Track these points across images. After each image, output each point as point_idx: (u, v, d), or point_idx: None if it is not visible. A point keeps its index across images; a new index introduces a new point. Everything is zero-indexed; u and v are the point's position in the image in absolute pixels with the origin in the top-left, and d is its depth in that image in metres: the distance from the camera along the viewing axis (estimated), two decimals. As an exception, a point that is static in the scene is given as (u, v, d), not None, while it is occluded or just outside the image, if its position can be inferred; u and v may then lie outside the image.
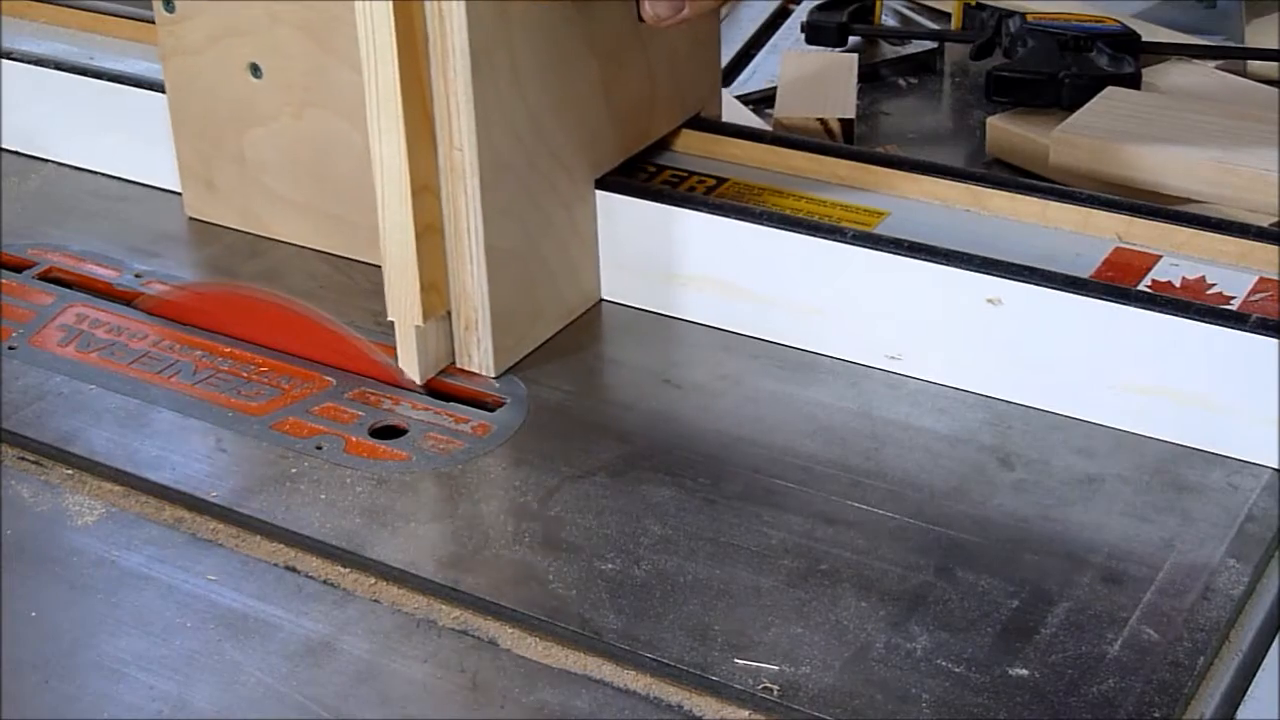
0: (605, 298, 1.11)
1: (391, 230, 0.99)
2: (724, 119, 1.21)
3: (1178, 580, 0.86)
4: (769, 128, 1.28)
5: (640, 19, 1.03)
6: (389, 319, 1.01)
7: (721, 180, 1.11)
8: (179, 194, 1.24)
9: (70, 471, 0.97)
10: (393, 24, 0.93)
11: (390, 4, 0.92)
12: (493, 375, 1.02)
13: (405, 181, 0.97)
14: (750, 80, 1.47)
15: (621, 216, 1.08)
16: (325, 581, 0.88)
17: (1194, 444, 0.95)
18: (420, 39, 0.94)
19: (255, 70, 1.14)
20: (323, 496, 0.93)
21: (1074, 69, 1.31)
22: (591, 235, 1.09)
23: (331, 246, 1.16)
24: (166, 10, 1.17)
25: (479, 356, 1.02)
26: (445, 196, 0.98)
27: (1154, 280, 0.98)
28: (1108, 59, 1.34)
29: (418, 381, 1.02)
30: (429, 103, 0.96)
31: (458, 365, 1.03)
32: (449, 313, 1.02)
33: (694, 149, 1.15)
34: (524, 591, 0.86)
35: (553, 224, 1.05)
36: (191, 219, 1.22)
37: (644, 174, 1.11)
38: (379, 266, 1.02)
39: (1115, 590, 0.85)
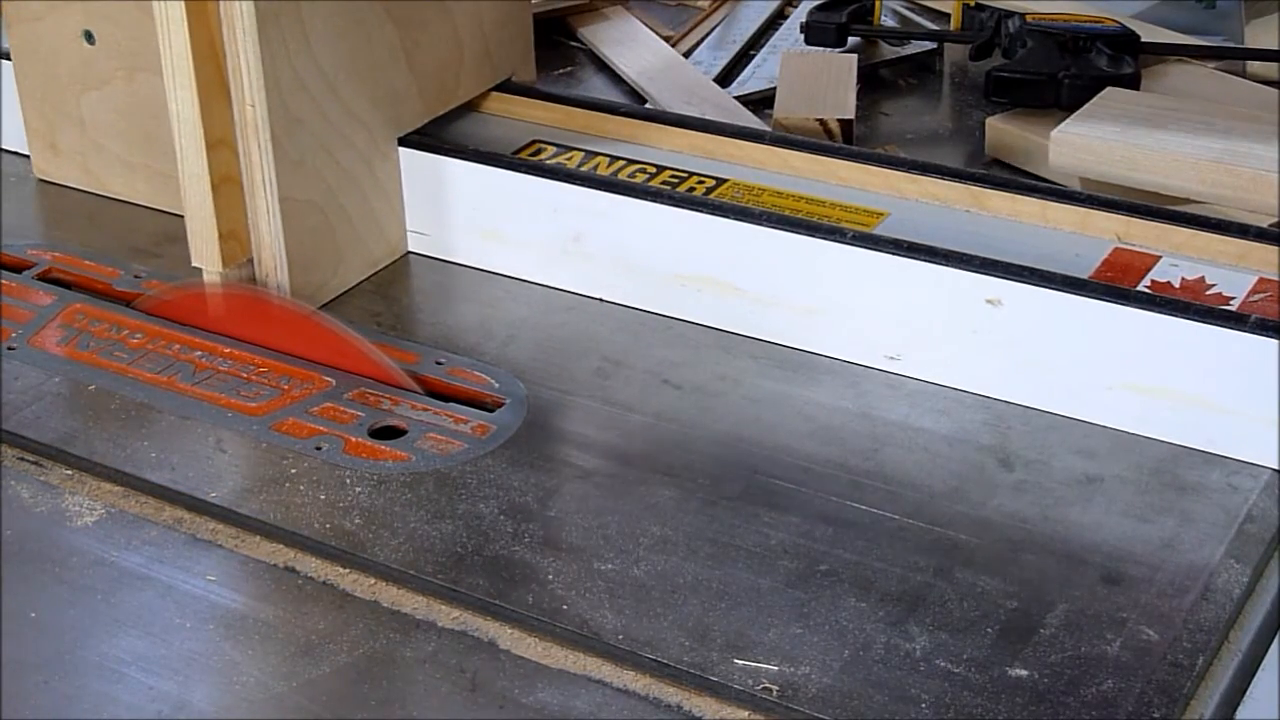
0: (412, 250, 1.17)
1: (190, 182, 1.05)
2: (726, 119, 1.22)
3: (1178, 580, 0.86)
4: (768, 127, 1.29)
5: None
6: (194, 265, 1.08)
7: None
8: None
9: (70, 472, 0.97)
10: None
11: None
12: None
13: (200, 135, 1.03)
14: (750, 80, 1.47)
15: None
16: (325, 582, 0.88)
17: (1194, 444, 0.95)
18: (213, 7, 1.00)
19: (89, 37, 1.20)
20: (322, 497, 0.93)
21: (1073, 69, 1.31)
22: (396, 190, 1.14)
23: (165, 204, 1.21)
24: None
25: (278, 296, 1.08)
26: (241, 150, 1.04)
27: (1153, 281, 0.98)
28: (1107, 59, 1.34)
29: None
30: (222, 60, 1.01)
31: None
32: (251, 259, 1.08)
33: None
34: (524, 591, 0.86)
35: (352, 178, 1.10)
36: (39, 180, 1.29)
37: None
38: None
39: (1115, 590, 0.85)
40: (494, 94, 1.22)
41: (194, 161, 1.04)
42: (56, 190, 1.28)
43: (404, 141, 1.14)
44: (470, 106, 1.21)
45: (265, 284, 1.08)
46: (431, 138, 1.16)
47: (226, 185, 1.05)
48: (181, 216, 1.09)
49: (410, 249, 1.17)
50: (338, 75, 1.07)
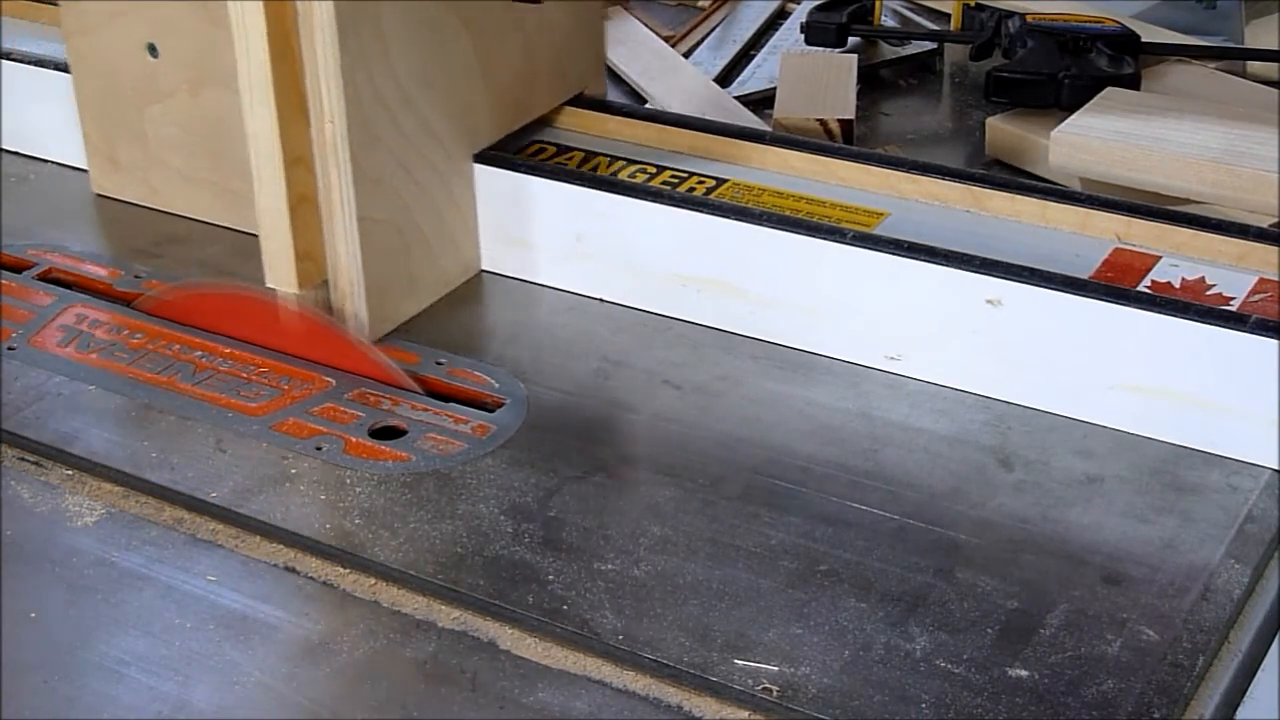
0: (486, 269, 1.14)
1: (267, 201, 1.02)
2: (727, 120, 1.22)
3: (1178, 580, 0.86)
4: (768, 127, 1.29)
5: None
6: (269, 285, 1.05)
7: (722, 181, 1.11)
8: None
9: (70, 472, 0.97)
10: (263, 10, 0.96)
11: None
12: (369, 340, 1.05)
13: (278, 154, 1.00)
14: (750, 80, 1.47)
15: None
16: (325, 582, 0.88)
17: (1194, 444, 0.95)
18: (290, 14, 0.97)
19: (152, 49, 1.17)
20: (322, 497, 0.93)
21: (1073, 70, 1.31)
22: (470, 208, 1.11)
23: (230, 221, 1.19)
24: None
25: (355, 325, 1.05)
26: (318, 168, 1.01)
27: (1153, 281, 0.98)
28: (1107, 60, 1.34)
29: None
30: (300, 77, 0.99)
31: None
32: (326, 281, 1.05)
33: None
34: (524, 592, 0.86)
35: (428, 196, 1.08)
36: (98, 195, 1.25)
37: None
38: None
39: (1115, 590, 0.85)
40: (566, 108, 1.18)
41: (271, 181, 1.01)
42: (117, 206, 1.24)
43: (480, 158, 1.11)
44: (544, 121, 1.18)
45: (342, 307, 1.05)
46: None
47: (303, 205, 1.02)
48: (245, 233, 1.10)
49: (485, 268, 1.14)
50: (415, 90, 1.04)
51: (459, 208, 1.11)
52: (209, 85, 1.15)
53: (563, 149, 1.15)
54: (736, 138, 1.14)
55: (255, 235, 1.07)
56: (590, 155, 1.14)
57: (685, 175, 1.12)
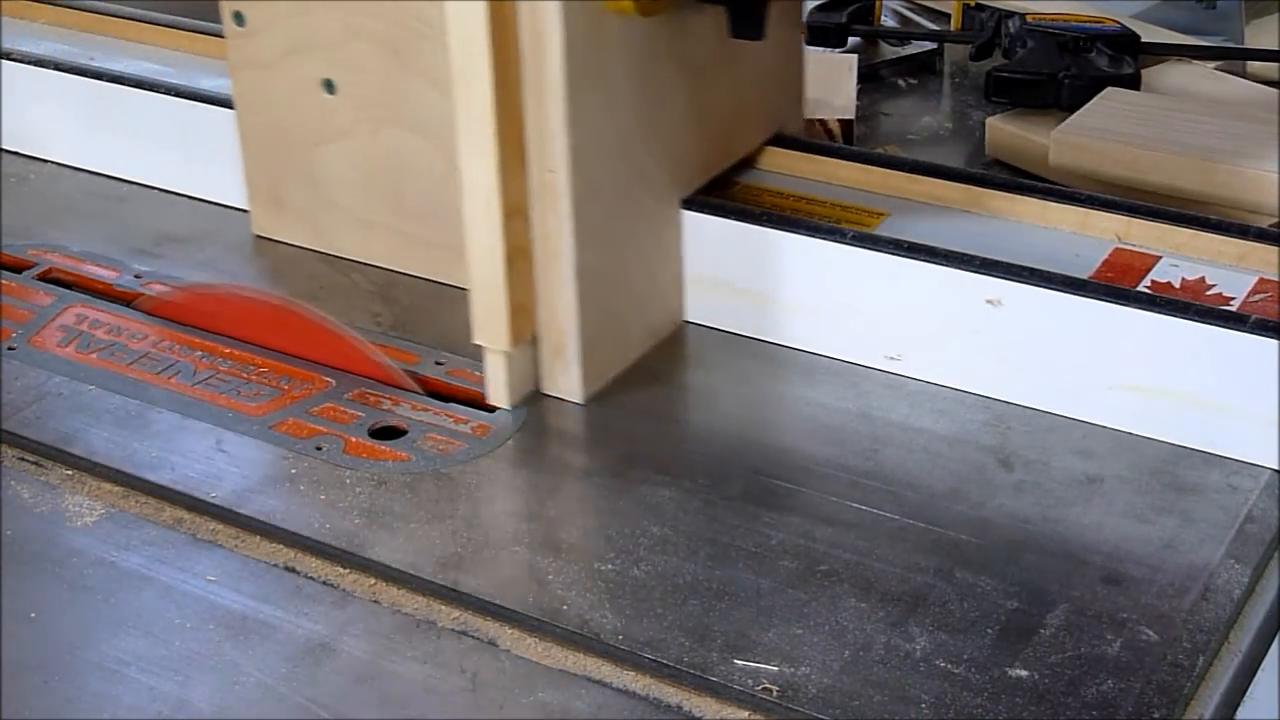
0: (688, 319, 1.08)
1: (480, 253, 0.96)
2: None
3: (1177, 580, 0.86)
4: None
5: (732, 34, 0.99)
6: (475, 343, 0.99)
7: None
8: (179, 195, 1.25)
9: (70, 472, 0.97)
10: (488, 45, 0.90)
11: (485, 26, 0.90)
12: (580, 401, 1.00)
13: (496, 204, 0.94)
14: (750, 80, 1.46)
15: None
16: (325, 582, 0.88)
17: (1194, 444, 0.95)
18: (514, 59, 0.92)
19: (329, 86, 1.11)
20: (323, 497, 0.93)
21: (1073, 70, 1.31)
22: (677, 255, 1.06)
23: (406, 266, 1.14)
24: (236, 24, 1.14)
25: (566, 382, 1.00)
26: (535, 219, 0.96)
27: (1153, 281, 0.98)
28: (1107, 60, 1.34)
29: (507, 407, 0.99)
30: (522, 124, 0.94)
31: (543, 391, 1.01)
32: (534, 337, 1.00)
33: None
34: (524, 592, 0.86)
35: (640, 244, 1.02)
36: (259, 237, 1.19)
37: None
38: (441, 282, 1.04)
39: (1115, 590, 0.85)
40: (768, 148, 1.13)
41: (487, 232, 0.95)
42: (279, 249, 1.19)
43: (688, 204, 1.06)
44: (747, 162, 1.12)
45: (552, 365, 1.00)
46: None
47: (518, 257, 0.97)
48: (420, 278, 1.09)
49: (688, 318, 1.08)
50: (633, 135, 0.99)
51: (667, 255, 1.05)
52: (390, 125, 1.10)
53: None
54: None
55: (423, 279, 1.08)
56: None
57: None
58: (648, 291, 1.04)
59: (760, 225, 1.04)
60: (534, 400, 1.01)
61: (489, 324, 0.98)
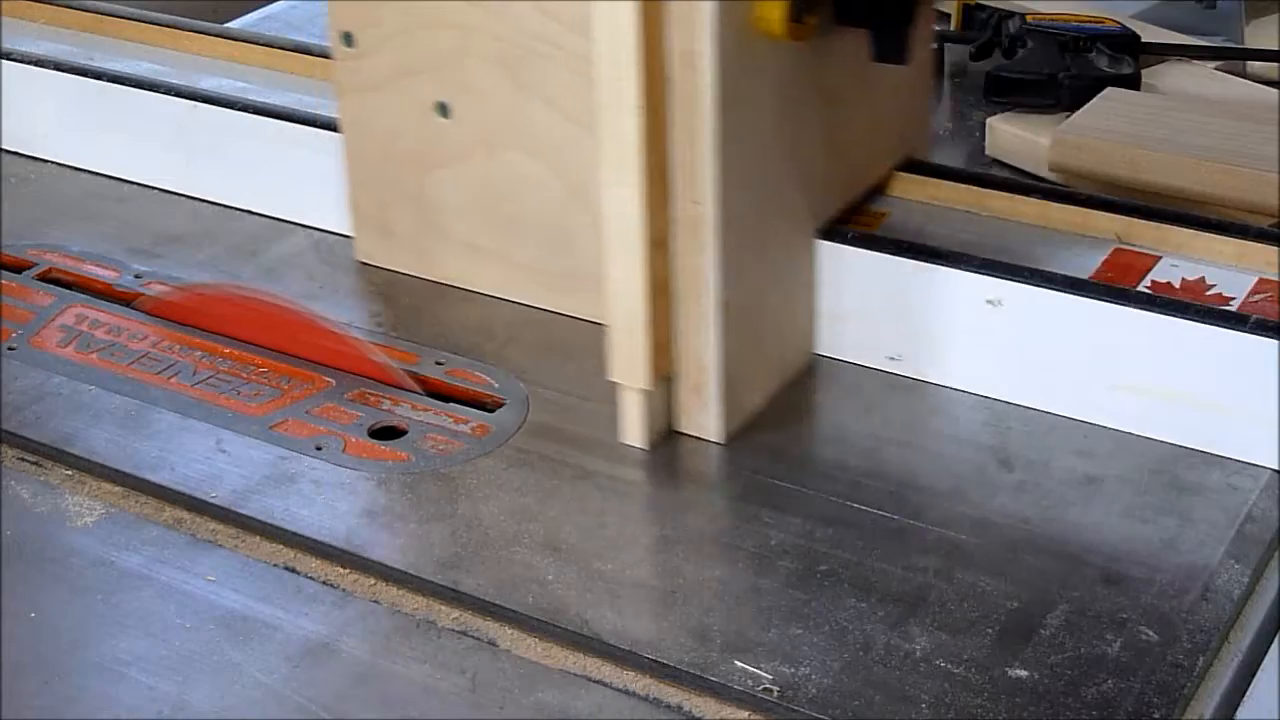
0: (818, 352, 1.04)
1: (621, 288, 0.93)
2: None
3: (1178, 580, 0.86)
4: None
5: (875, 57, 0.96)
6: (612, 380, 0.95)
7: None
8: (179, 195, 1.25)
9: (70, 472, 0.97)
10: (637, 70, 0.87)
11: (635, 49, 0.86)
12: (720, 441, 0.96)
13: (640, 237, 0.91)
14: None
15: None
16: (325, 582, 0.88)
17: (1194, 444, 0.95)
18: (661, 85, 0.88)
19: (442, 109, 1.07)
20: (322, 497, 0.93)
21: (1073, 70, 1.31)
22: (810, 286, 1.02)
23: (517, 294, 1.10)
24: (345, 45, 1.09)
25: (705, 420, 0.96)
26: (678, 251, 0.92)
27: (1153, 281, 0.98)
28: (1107, 60, 1.34)
29: (643, 447, 0.96)
30: (665, 153, 0.90)
31: (678, 429, 0.97)
32: (669, 374, 0.96)
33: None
34: (524, 592, 0.86)
35: (777, 276, 0.99)
36: (363, 263, 1.16)
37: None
38: (553, 310, 1.04)
39: (1115, 590, 0.85)
40: (899, 174, 1.09)
41: (629, 265, 0.91)
42: (384, 275, 1.15)
43: (823, 233, 1.02)
44: (877, 189, 1.08)
45: (689, 402, 0.96)
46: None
47: (659, 292, 0.93)
48: (529, 305, 1.07)
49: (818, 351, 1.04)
50: (774, 164, 0.95)
51: (802, 287, 1.02)
52: (506, 149, 1.06)
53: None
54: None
55: (522, 303, 1.07)
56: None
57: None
58: (783, 324, 1.01)
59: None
60: (532, 400, 1.01)
61: (628, 361, 0.94)
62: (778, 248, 0.98)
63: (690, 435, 0.97)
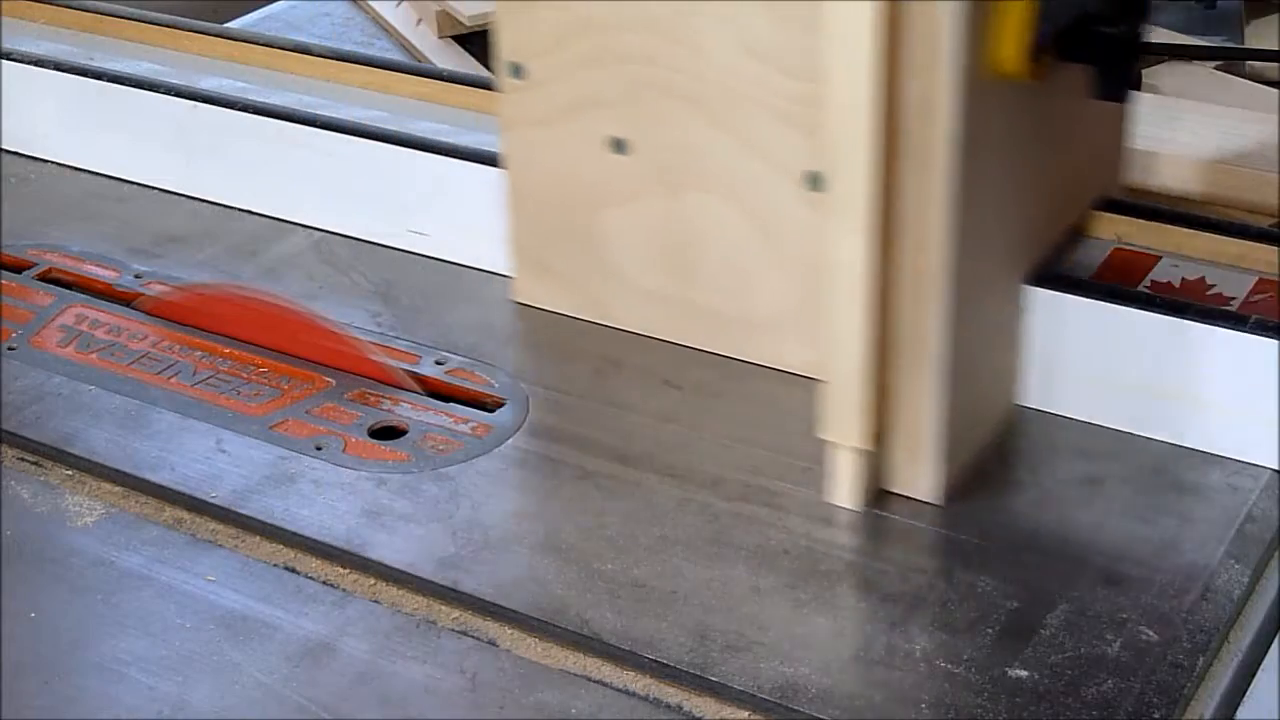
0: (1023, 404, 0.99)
1: (841, 343, 0.88)
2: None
3: (1178, 580, 0.86)
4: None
5: (1097, 94, 0.91)
6: (822, 438, 0.91)
7: None
8: (179, 195, 1.25)
9: (70, 472, 0.97)
10: (873, 115, 0.83)
11: (872, 94, 0.82)
12: (936, 502, 0.91)
13: (864, 290, 0.86)
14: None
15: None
16: (325, 582, 0.88)
17: (1194, 444, 0.95)
18: (896, 131, 0.84)
19: (618, 145, 1.02)
20: (322, 497, 0.93)
21: (1074, 69, 1.31)
22: (1018, 338, 0.97)
23: (695, 340, 1.05)
24: (514, 77, 1.04)
25: (919, 480, 0.91)
26: (899, 304, 0.88)
27: (1153, 281, 0.98)
28: (1108, 59, 1.33)
29: (854, 509, 0.91)
30: (893, 200, 0.86)
31: (889, 489, 0.92)
32: (882, 432, 0.91)
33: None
34: (524, 591, 0.86)
35: (987, 327, 0.94)
36: (519, 304, 1.10)
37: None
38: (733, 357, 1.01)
39: (1115, 590, 0.85)
40: (1098, 213, 1.04)
41: (854, 319, 0.87)
42: (540, 316, 1.09)
43: (1034, 280, 0.97)
44: (1077, 230, 1.02)
45: (905, 462, 0.91)
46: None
47: (878, 347, 0.88)
48: (711, 353, 1.03)
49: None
50: (994, 207, 0.90)
51: (1011, 336, 0.97)
52: (688, 188, 1.00)
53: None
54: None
55: (700, 349, 1.03)
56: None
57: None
58: (994, 376, 0.97)
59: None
60: (532, 400, 1.01)
61: (844, 419, 0.89)
62: (993, 296, 0.94)
63: (901, 495, 0.92)
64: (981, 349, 0.94)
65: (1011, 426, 0.98)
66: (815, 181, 0.93)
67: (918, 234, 0.86)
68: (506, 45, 1.04)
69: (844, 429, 0.90)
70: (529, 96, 1.04)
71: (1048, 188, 0.96)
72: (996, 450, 0.96)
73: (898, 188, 0.85)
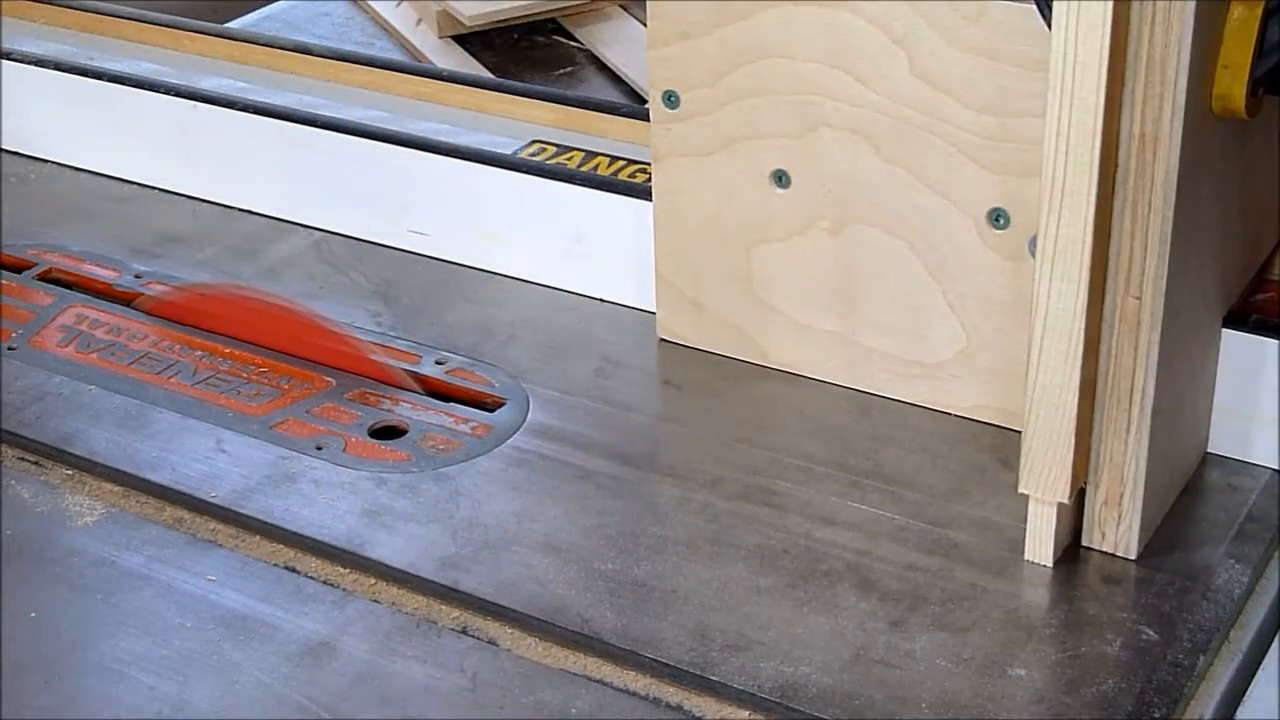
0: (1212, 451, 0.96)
1: (1048, 392, 0.84)
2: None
3: (1178, 580, 0.86)
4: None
5: None
6: (1022, 492, 0.87)
7: None
8: (179, 195, 1.25)
9: (70, 472, 0.97)
10: (1097, 159, 0.79)
11: (1098, 138, 0.78)
12: (1132, 557, 0.88)
13: (1077, 337, 0.82)
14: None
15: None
16: (325, 581, 0.88)
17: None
18: (1113, 171, 0.81)
19: (780, 178, 0.98)
20: (323, 497, 0.93)
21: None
22: (1213, 382, 0.94)
23: (856, 381, 1.01)
24: (668, 106, 1.00)
25: (1117, 535, 0.88)
26: (1108, 351, 0.85)
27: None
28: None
29: (1048, 565, 0.88)
30: (1105, 244, 0.82)
31: (1085, 543, 0.89)
32: (1084, 485, 0.88)
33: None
34: (524, 591, 0.86)
35: (1191, 372, 0.90)
36: (664, 340, 1.07)
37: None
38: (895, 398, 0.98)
39: (1115, 590, 0.85)
40: None
41: (1059, 368, 0.83)
42: (684, 354, 1.06)
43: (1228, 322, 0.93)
44: (1264, 268, 0.98)
45: (1104, 516, 0.88)
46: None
47: (1085, 396, 0.84)
48: (867, 393, 0.99)
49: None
50: (1206, 250, 0.86)
51: (1206, 381, 0.93)
52: (856, 223, 0.97)
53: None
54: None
55: (861, 390, 0.99)
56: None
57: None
58: (1190, 424, 0.93)
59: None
60: (532, 400, 1.01)
61: (1046, 471, 0.85)
62: (1193, 341, 0.89)
63: (1097, 550, 0.88)
64: (1184, 396, 0.90)
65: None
66: (998, 219, 0.92)
67: (1130, 276, 0.82)
68: (660, 74, 1.00)
69: (1045, 483, 0.86)
70: (684, 127, 1.00)
71: (1244, 226, 0.93)
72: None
73: (1107, 228, 0.82)
